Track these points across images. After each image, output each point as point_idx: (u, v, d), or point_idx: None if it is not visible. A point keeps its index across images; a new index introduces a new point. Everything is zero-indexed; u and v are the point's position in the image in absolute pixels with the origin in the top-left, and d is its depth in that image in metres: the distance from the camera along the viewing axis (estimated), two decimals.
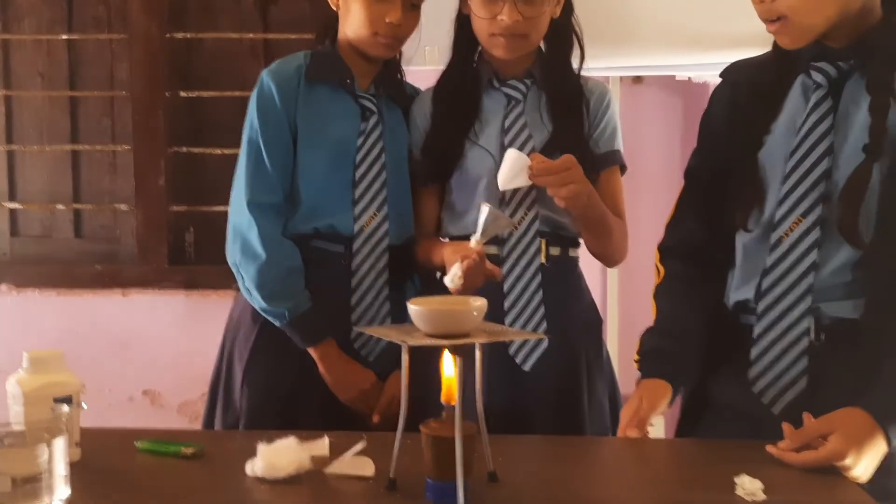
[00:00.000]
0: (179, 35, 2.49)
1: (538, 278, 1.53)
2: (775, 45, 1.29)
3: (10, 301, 2.49)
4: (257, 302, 1.57)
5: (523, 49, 1.54)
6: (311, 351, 1.57)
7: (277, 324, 1.57)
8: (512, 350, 1.52)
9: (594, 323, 1.66)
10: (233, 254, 1.60)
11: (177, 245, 2.54)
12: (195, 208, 2.51)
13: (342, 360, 1.58)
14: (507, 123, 1.56)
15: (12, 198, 2.57)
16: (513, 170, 1.43)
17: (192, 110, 2.53)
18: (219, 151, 2.47)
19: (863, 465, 1.12)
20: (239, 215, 1.59)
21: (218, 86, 2.49)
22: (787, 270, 1.25)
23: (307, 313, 1.56)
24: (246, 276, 1.57)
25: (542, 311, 1.53)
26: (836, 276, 1.24)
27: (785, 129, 1.28)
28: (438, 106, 1.62)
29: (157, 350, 2.46)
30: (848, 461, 1.10)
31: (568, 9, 1.58)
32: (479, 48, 1.60)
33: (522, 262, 1.53)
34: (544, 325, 1.53)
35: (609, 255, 1.66)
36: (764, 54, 1.33)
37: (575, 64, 1.60)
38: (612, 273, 2.34)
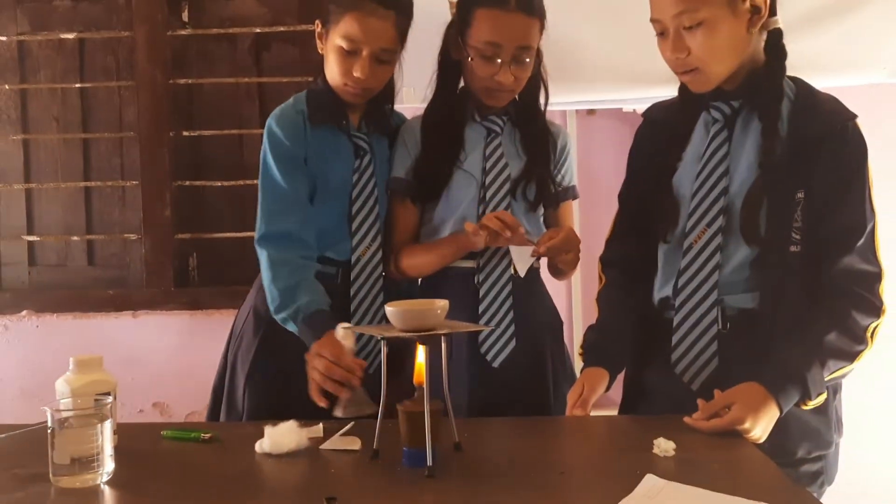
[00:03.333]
0: (181, 81, 2.65)
1: (509, 287, 1.74)
2: (681, 90, 1.55)
3: (29, 325, 2.63)
4: (279, 315, 1.64)
5: (509, 99, 1.76)
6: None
7: (293, 327, 1.62)
8: (483, 349, 1.73)
9: (556, 326, 1.87)
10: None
11: (181, 269, 2.67)
12: (198, 235, 2.65)
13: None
14: (487, 152, 1.76)
15: (30, 231, 2.71)
16: (522, 258, 1.67)
17: (194, 148, 2.68)
18: (218, 184, 2.62)
19: (759, 429, 1.32)
20: (258, 253, 1.70)
21: (217, 125, 2.65)
22: (697, 270, 1.49)
23: (321, 313, 1.60)
24: (268, 297, 1.66)
25: (510, 315, 1.73)
26: (735, 273, 1.47)
27: (692, 157, 1.54)
28: (428, 136, 1.78)
29: (165, 365, 2.58)
30: (747, 425, 1.31)
31: (539, 58, 1.77)
32: (461, 84, 1.80)
33: (496, 273, 1.73)
34: (513, 328, 1.73)
35: (566, 276, 1.91)
36: (674, 97, 1.59)
37: (541, 101, 1.81)
38: (576, 282, 2.56)
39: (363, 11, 1.64)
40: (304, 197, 1.71)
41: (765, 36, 1.48)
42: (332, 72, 1.71)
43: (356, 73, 1.66)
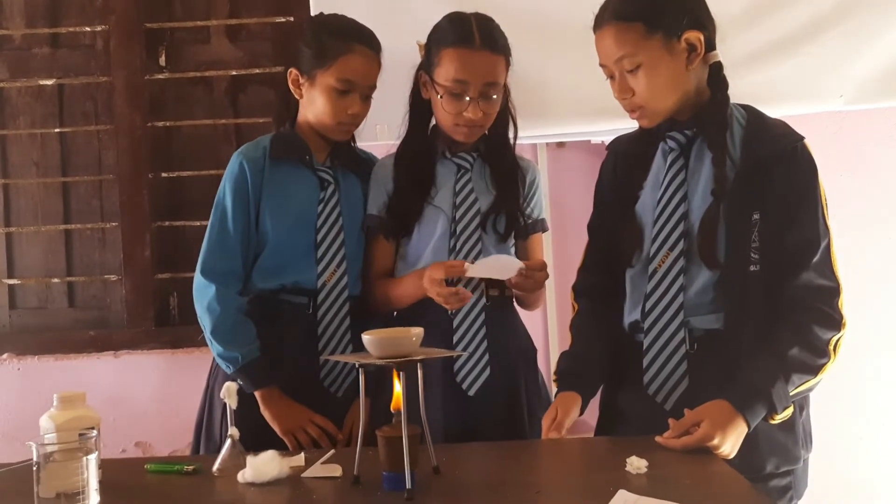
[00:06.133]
0: (160, 123, 2.69)
1: (482, 315, 1.79)
2: None
3: (11, 369, 2.63)
4: (215, 348, 1.77)
5: (479, 134, 1.83)
6: (257, 394, 1.76)
7: (229, 370, 1.75)
8: (459, 378, 1.77)
9: (530, 352, 1.91)
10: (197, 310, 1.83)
11: (162, 309, 2.69)
12: (178, 275, 2.66)
13: (282, 400, 1.78)
14: (457, 188, 1.83)
15: (10, 275, 2.72)
16: (503, 266, 1.70)
17: (172, 189, 2.71)
18: (197, 223, 2.62)
19: (728, 445, 1.37)
20: (198, 279, 1.81)
21: (195, 166, 2.68)
22: (663, 294, 1.54)
23: (257, 361, 1.77)
24: (206, 328, 1.79)
25: (485, 343, 1.78)
26: (699, 295, 1.53)
27: (652, 185, 1.61)
28: (400, 173, 1.86)
29: (148, 405, 2.59)
30: (715, 442, 1.36)
31: (506, 94, 1.85)
32: (432, 123, 1.87)
33: (470, 302, 1.78)
34: (487, 356, 1.78)
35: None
36: (635, 130, 1.67)
37: (510, 136, 1.88)
38: (552, 310, 2.61)
39: (355, 53, 1.80)
40: (245, 236, 1.82)
41: (707, 69, 1.56)
42: (323, 113, 1.82)
43: (351, 111, 1.81)
